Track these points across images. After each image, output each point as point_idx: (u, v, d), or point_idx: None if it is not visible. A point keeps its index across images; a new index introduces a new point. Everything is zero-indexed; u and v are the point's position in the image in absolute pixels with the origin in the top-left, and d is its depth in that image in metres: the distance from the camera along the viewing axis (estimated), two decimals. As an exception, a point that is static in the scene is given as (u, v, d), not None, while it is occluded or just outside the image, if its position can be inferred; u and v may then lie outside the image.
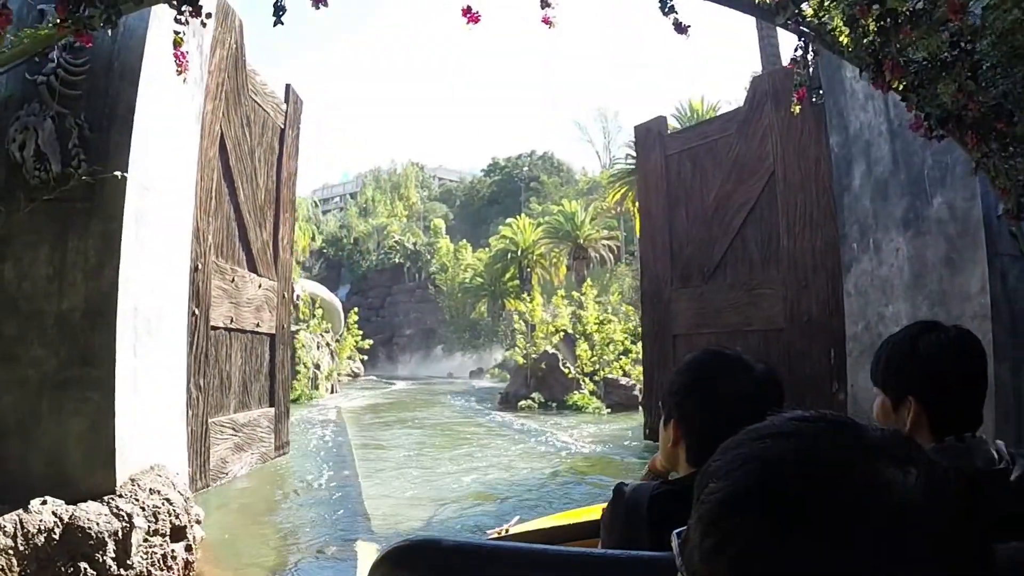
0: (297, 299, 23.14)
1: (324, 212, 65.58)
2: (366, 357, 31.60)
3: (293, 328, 21.26)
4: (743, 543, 0.44)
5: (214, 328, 6.30)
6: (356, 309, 29.29)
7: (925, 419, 1.36)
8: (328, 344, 22.77)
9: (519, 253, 40.39)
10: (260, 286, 7.48)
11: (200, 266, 5.96)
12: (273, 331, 7.90)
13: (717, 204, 8.19)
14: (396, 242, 55.84)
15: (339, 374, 24.31)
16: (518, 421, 14.68)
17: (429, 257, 54.13)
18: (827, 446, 0.47)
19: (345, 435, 11.77)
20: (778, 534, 0.42)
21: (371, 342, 28.16)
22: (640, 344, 17.65)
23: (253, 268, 7.35)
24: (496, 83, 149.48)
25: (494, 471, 8.65)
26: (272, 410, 7.89)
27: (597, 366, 18.44)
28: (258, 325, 7.41)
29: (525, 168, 60.94)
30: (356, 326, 26.53)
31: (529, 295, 25.71)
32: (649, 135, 9.42)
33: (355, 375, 35.79)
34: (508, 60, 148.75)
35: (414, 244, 55.75)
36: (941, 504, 0.44)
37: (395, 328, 54.01)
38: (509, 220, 42.26)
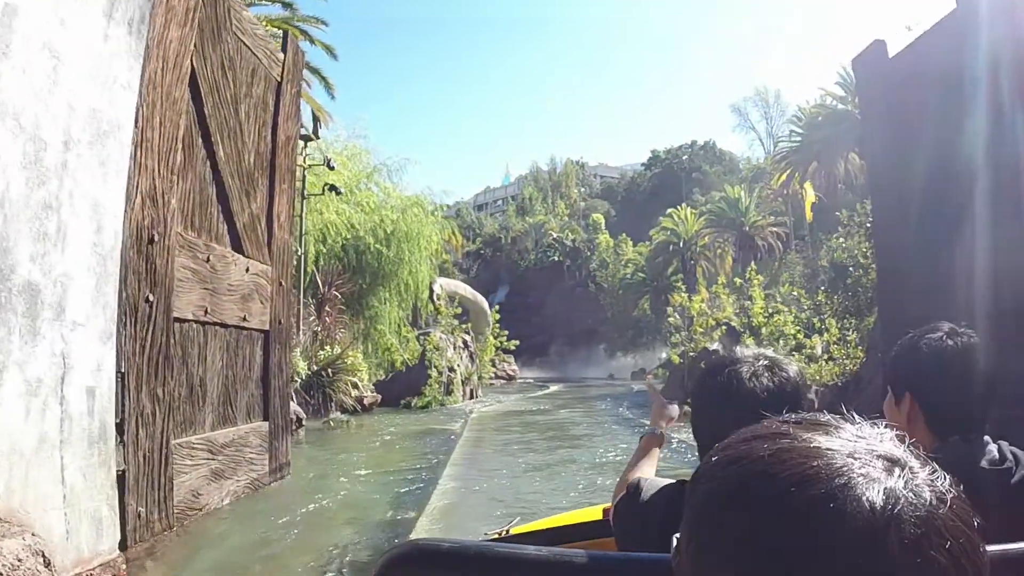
0: (436, 298, 22.13)
1: (488, 215, 66.30)
2: (512, 358, 30.09)
3: (426, 328, 20.22)
4: (725, 545, 0.44)
5: (180, 320, 4.80)
6: (497, 307, 27.86)
7: (921, 416, 1.35)
8: (467, 345, 21.44)
9: (681, 245, 37.58)
10: (248, 270, 6.00)
11: (156, 237, 4.45)
12: (266, 327, 6.39)
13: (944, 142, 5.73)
14: (555, 239, 54.55)
15: (481, 377, 22.93)
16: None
17: (589, 254, 52.45)
18: (803, 449, 0.45)
19: (448, 450, 10.10)
20: (758, 537, 0.42)
21: (516, 343, 26.51)
22: (813, 339, 14.91)
23: (238, 247, 5.90)
24: (652, 75, 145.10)
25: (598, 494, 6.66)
26: (266, 425, 6.37)
27: (765, 365, 15.67)
28: (245, 319, 5.92)
29: (685, 158, 57.65)
30: (499, 326, 25.06)
31: (694, 288, 23.22)
32: (866, 69, 7.11)
33: (510, 377, 34.61)
34: (662, 52, 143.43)
35: (573, 241, 54.16)
36: (920, 506, 0.43)
37: (555, 328, 52.55)
38: (670, 210, 39.45)
